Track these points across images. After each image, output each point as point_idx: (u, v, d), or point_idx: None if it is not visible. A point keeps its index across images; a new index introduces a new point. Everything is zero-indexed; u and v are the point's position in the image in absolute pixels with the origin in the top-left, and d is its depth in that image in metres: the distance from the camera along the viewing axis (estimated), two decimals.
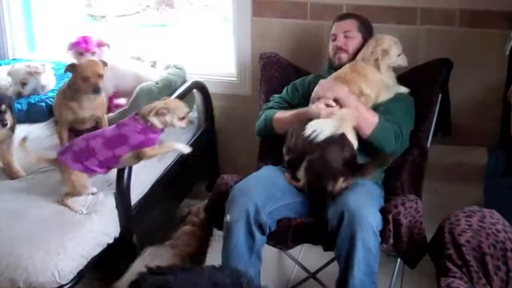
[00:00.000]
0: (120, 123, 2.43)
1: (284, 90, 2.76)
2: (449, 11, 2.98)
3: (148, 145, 2.37)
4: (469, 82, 3.03)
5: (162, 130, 2.43)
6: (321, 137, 2.26)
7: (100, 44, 3.07)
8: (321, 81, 2.53)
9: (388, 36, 2.59)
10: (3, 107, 2.54)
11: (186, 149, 2.52)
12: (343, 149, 2.31)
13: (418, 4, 3.01)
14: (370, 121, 2.42)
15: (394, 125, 2.46)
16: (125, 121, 2.42)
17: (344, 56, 2.62)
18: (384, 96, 2.53)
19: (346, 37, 2.63)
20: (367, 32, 2.66)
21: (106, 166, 2.45)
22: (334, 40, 2.67)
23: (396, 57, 2.56)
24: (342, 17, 2.71)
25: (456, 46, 2.99)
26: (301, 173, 2.36)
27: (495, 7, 2.91)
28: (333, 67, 2.66)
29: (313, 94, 2.51)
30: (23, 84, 3.17)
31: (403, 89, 2.58)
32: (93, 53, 3.04)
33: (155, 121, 2.37)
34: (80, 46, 3.05)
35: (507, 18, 2.85)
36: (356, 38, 2.63)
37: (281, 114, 2.63)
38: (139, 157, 2.40)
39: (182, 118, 2.43)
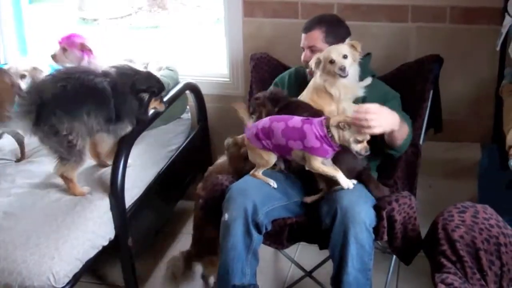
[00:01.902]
0: (308, 119, 2.27)
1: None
2: (439, 8, 3.00)
3: (318, 154, 2.21)
4: (461, 78, 3.04)
5: (339, 147, 2.22)
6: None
7: (82, 48, 2.97)
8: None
9: (332, 47, 2.41)
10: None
11: (350, 185, 2.26)
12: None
13: (409, 1, 3.01)
14: (405, 131, 2.35)
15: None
16: (313, 119, 2.26)
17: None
18: (353, 92, 2.41)
19: (312, 51, 2.55)
20: (336, 38, 2.53)
21: (279, 152, 2.32)
22: (304, 51, 2.61)
23: (329, 63, 2.36)
24: (308, 28, 2.60)
25: (447, 43, 3.00)
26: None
27: (485, 3, 2.92)
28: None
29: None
30: (22, 76, 3.15)
31: (366, 82, 2.45)
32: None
33: (335, 133, 2.19)
34: (64, 42, 2.98)
35: (497, 14, 2.86)
36: (323, 50, 2.52)
37: None
38: (306, 161, 2.26)
39: (359, 142, 2.19)
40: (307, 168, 2.24)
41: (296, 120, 2.25)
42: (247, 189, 2.28)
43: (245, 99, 3.18)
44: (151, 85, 2.56)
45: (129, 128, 2.56)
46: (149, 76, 2.60)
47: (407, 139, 2.39)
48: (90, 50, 2.96)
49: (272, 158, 2.32)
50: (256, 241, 2.27)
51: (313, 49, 2.55)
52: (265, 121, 2.32)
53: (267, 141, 2.27)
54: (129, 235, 2.56)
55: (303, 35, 2.61)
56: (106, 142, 2.61)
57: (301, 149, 2.23)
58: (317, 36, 2.55)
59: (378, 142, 2.33)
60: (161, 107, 2.67)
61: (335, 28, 2.58)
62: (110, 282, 2.85)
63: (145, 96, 2.54)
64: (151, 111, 2.64)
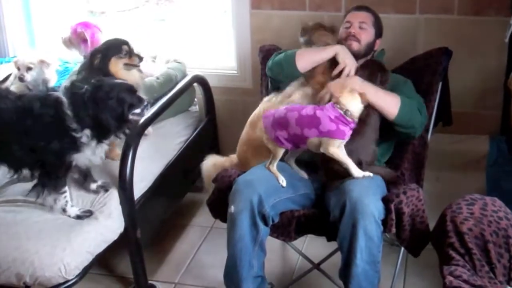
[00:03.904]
0: (319, 106, 2.28)
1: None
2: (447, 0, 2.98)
3: (336, 136, 2.21)
4: (469, 70, 3.03)
5: (355, 123, 2.24)
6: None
7: (80, 36, 3.06)
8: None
9: None
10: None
11: (360, 175, 2.25)
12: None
13: None
14: (394, 101, 2.37)
15: (412, 99, 2.44)
16: (324, 105, 2.28)
17: (355, 45, 2.57)
18: None
19: (360, 27, 2.59)
20: (378, 31, 2.65)
21: (293, 143, 2.30)
22: (347, 28, 2.62)
23: None
24: (360, 8, 2.68)
25: (455, 35, 2.99)
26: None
27: None
28: None
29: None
30: (28, 68, 3.16)
31: None
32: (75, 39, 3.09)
33: (356, 109, 2.23)
34: (72, 29, 3.08)
35: (506, 5, 2.84)
36: (370, 31, 2.60)
37: (307, 50, 2.61)
38: (322, 146, 2.25)
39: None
40: (321, 151, 2.24)
41: (309, 109, 2.27)
42: (253, 181, 2.29)
43: (253, 91, 3.20)
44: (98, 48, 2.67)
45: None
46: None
47: (405, 110, 2.36)
48: (85, 40, 3.04)
49: (279, 153, 2.33)
50: (263, 233, 2.28)
51: (362, 26, 2.61)
52: (280, 111, 2.32)
53: (282, 131, 2.27)
54: (138, 227, 2.57)
55: (353, 12, 2.67)
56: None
57: (317, 136, 2.23)
58: (369, 17, 2.65)
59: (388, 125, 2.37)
60: (132, 61, 2.67)
61: (379, 23, 2.68)
62: (119, 274, 2.87)
63: (97, 56, 2.61)
64: (125, 70, 2.64)
